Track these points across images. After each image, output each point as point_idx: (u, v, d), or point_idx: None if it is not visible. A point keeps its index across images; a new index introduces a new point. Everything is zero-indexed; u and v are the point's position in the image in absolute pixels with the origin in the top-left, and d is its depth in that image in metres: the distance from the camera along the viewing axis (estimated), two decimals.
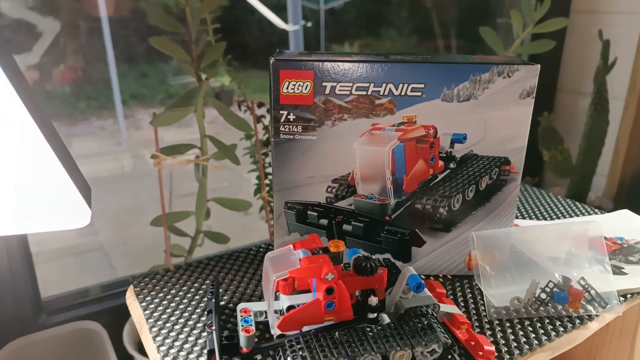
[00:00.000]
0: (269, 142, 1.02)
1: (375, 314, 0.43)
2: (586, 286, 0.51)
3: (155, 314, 0.50)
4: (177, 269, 0.58)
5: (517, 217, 0.70)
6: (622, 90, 1.48)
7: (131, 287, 0.55)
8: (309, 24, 1.64)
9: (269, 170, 1.04)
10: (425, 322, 0.42)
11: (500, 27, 1.65)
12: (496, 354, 0.45)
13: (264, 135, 1.03)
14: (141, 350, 0.92)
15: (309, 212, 0.54)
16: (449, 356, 0.42)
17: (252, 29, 1.64)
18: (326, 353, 0.39)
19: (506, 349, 0.46)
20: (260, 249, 0.64)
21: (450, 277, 0.57)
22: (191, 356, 0.44)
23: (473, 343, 0.45)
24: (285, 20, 1.59)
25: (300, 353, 0.39)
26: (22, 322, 0.94)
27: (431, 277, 0.57)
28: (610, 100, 1.43)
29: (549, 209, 0.75)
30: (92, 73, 1.52)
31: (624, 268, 0.58)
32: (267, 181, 1.03)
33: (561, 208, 0.75)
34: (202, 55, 0.86)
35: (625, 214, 0.72)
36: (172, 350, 0.44)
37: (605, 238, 0.65)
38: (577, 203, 0.77)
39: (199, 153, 0.91)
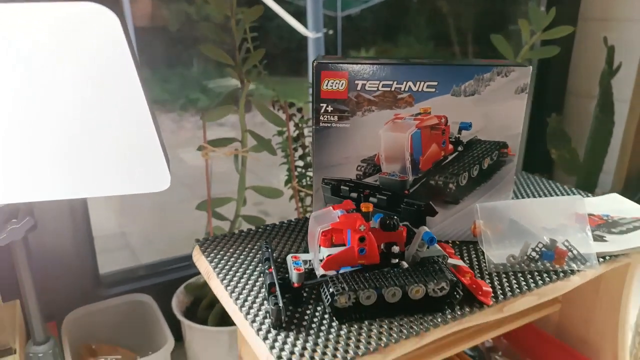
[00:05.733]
0: (298, 138, 1.15)
1: (397, 260, 0.55)
2: (569, 247, 0.62)
3: (220, 266, 0.62)
4: (232, 235, 0.71)
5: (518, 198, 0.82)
6: (628, 93, 1.57)
7: (197, 247, 0.68)
8: (330, 32, 1.73)
9: (298, 163, 1.16)
10: (437, 267, 0.54)
11: (513, 33, 1.75)
12: (492, 294, 0.56)
13: (295, 132, 1.15)
14: (187, 316, 1.05)
15: (342, 187, 0.66)
16: (455, 292, 0.54)
17: (272, 36, 1.70)
18: (359, 285, 0.51)
19: (501, 291, 0.57)
20: (299, 222, 0.76)
21: (458, 242, 0.69)
22: (253, 291, 0.56)
23: (474, 286, 0.56)
24: (306, 27, 1.67)
25: (340, 285, 0.51)
26: (83, 293, 1.07)
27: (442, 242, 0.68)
28: (616, 102, 1.52)
29: (548, 193, 0.86)
30: None
31: (605, 237, 0.68)
32: (296, 173, 1.16)
33: (559, 193, 0.86)
34: (244, 60, 0.99)
35: (615, 197, 0.83)
36: (237, 288, 0.57)
37: (594, 215, 0.76)
38: (573, 189, 0.87)
39: (238, 146, 1.04)
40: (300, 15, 1.58)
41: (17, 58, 0.43)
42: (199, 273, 1.13)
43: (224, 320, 1.06)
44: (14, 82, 0.44)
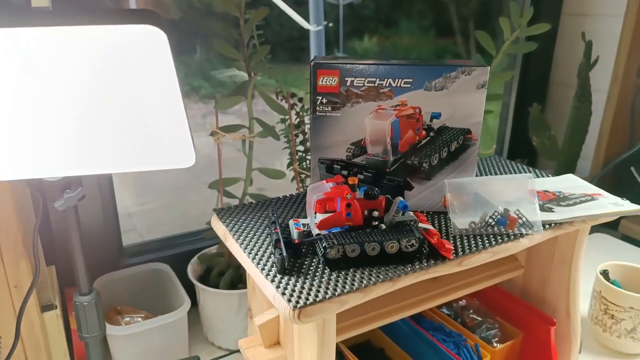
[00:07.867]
0: (299, 125, 1.28)
1: (377, 223, 0.69)
2: (520, 215, 0.76)
3: (235, 228, 0.76)
4: (243, 205, 0.84)
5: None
6: (605, 84, 1.69)
7: (214, 214, 0.81)
8: (330, 25, 1.81)
9: (299, 148, 1.30)
10: (409, 228, 0.68)
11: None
12: (453, 250, 0.70)
13: (296, 120, 1.28)
14: (200, 282, 1.19)
15: (334, 165, 0.80)
16: (423, 248, 0.67)
17: (274, 25, 1.73)
18: (346, 240, 0.65)
19: (461, 249, 0.71)
20: (300, 195, 0.90)
21: (431, 212, 0.82)
22: (262, 247, 0.70)
23: (439, 244, 0.70)
24: (306, 17, 1.74)
25: (331, 240, 0.65)
26: (109, 262, 1.21)
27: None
28: (595, 92, 1.64)
29: (511, 172, 0.99)
30: None
31: (553, 209, 0.82)
32: (297, 157, 1.29)
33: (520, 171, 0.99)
34: (251, 55, 1.12)
35: (570, 177, 0.96)
36: (250, 245, 0.71)
37: (549, 191, 0.90)
38: (536, 170, 1.01)
39: (246, 132, 1.17)
40: (302, 5, 1.58)
41: (73, 69, 0.56)
42: (210, 245, 1.28)
43: (233, 285, 1.20)
44: (70, 91, 0.57)
